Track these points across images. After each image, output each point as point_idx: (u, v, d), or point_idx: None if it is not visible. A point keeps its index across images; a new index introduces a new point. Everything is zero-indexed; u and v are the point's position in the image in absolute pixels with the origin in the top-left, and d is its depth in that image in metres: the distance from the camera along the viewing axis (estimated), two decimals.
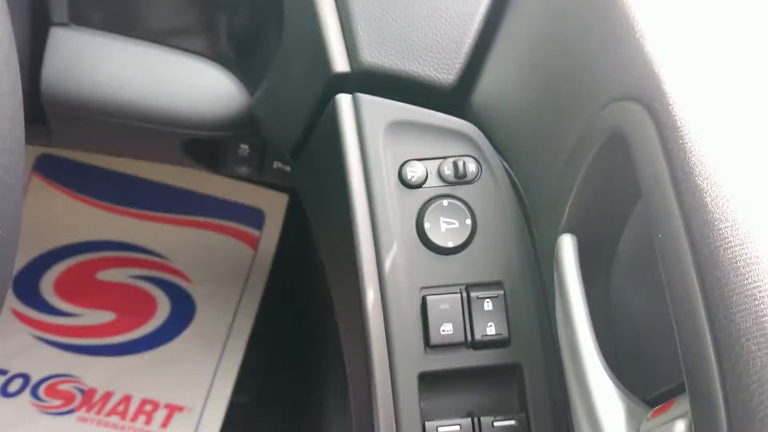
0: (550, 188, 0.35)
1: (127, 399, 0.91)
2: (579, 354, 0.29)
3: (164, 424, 0.90)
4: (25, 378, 0.90)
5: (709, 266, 0.23)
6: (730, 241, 0.23)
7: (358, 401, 0.39)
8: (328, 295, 0.45)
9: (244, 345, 0.99)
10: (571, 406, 0.30)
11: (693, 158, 0.25)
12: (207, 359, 0.96)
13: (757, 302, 0.21)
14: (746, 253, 0.22)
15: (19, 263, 0.99)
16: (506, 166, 0.39)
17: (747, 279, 0.22)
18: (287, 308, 1.02)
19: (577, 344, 0.29)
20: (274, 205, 1.10)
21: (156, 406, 0.91)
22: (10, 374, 0.90)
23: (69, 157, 1.08)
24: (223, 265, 1.06)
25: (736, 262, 0.22)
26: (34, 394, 0.89)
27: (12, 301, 0.95)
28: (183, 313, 0.99)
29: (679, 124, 0.26)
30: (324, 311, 0.94)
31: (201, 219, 1.09)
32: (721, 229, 0.23)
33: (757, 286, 0.21)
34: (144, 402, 0.91)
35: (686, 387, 0.23)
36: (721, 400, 0.21)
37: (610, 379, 0.29)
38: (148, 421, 0.90)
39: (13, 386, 0.89)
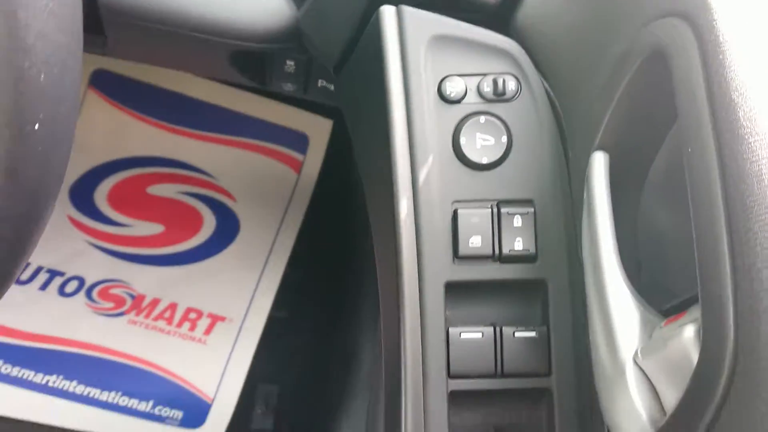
0: (588, 107, 0.35)
1: (173, 306, 0.96)
2: (600, 264, 0.30)
3: (207, 332, 0.95)
4: (81, 281, 0.95)
5: (735, 178, 0.23)
6: (758, 154, 0.23)
7: (387, 310, 0.41)
8: (366, 214, 0.47)
9: (284, 263, 1.02)
10: (589, 315, 0.31)
11: (731, 73, 0.25)
12: (249, 274, 1.00)
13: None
14: None
15: (75, 174, 1.03)
16: (546, 85, 0.39)
17: None
18: (327, 230, 1.05)
19: (599, 255, 0.30)
20: (318, 130, 1.12)
21: (200, 314, 0.96)
22: (66, 276, 0.95)
23: (124, 74, 1.11)
24: (267, 186, 1.09)
25: (761, 175, 0.22)
26: (89, 295, 0.94)
27: (69, 208, 1.00)
28: (227, 229, 1.03)
29: (721, 40, 0.26)
30: (362, 234, 0.96)
31: (247, 140, 1.11)
32: (750, 143, 0.23)
33: None
34: (189, 310, 0.96)
35: (699, 293, 0.24)
36: (730, 304, 0.22)
37: (628, 289, 0.29)
38: (192, 328, 0.95)
39: (70, 287, 0.95)
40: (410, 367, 0.38)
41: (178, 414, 0.88)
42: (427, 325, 0.38)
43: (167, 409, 0.88)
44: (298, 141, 1.13)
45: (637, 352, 0.27)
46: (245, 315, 0.97)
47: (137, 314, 0.94)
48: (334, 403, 0.89)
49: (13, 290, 0.92)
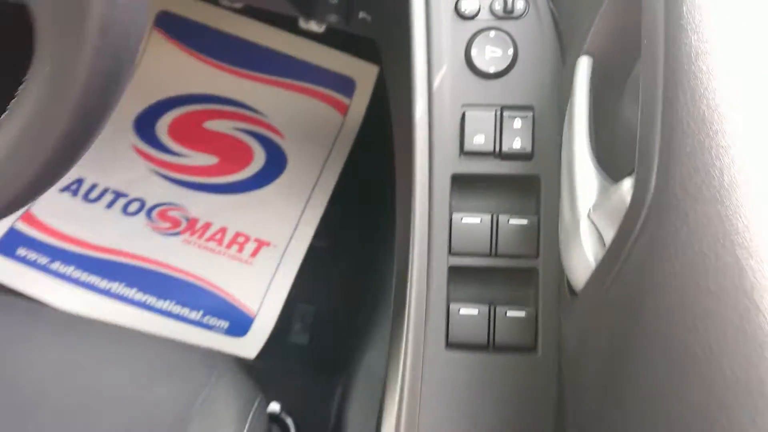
0: (581, 20, 0.40)
1: (223, 230, 1.04)
2: (572, 141, 0.35)
3: (253, 254, 1.03)
4: (142, 202, 1.04)
5: (672, 57, 0.28)
6: (691, 39, 0.28)
7: (402, 199, 0.47)
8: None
9: (327, 197, 1.09)
10: (561, 187, 0.36)
11: None
12: (294, 206, 1.07)
13: (699, 83, 0.27)
14: (702, 47, 0.27)
15: (140, 107, 1.12)
16: (551, 5, 0.44)
17: (696, 66, 0.27)
18: (368, 171, 1.11)
19: (572, 134, 0.35)
20: (365, 75, 1.18)
21: (247, 238, 1.04)
22: (129, 197, 1.04)
23: (186, 16, 1.19)
24: (314, 126, 1.16)
25: (690, 54, 0.27)
26: (149, 216, 1.03)
27: (134, 138, 1.10)
28: (275, 164, 1.10)
29: None
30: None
31: (298, 83, 1.18)
32: (687, 31, 0.28)
33: (703, 71, 0.27)
34: (237, 234, 1.04)
35: (636, 153, 0.29)
36: (656, 159, 0.27)
37: (592, 162, 0.35)
38: (239, 250, 1.03)
39: (132, 207, 1.04)
40: (417, 244, 0.44)
41: (224, 324, 0.97)
42: (434, 210, 0.44)
43: (215, 319, 0.97)
44: (346, 85, 1.19)
45: (590, 209, 0.33)
46: (288, 242, 1.04)
47: (191, 235, 1.02)
48: (363, 329, 0.96)
49: (84, 207, 1.02)
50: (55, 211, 1.02)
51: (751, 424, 0.20)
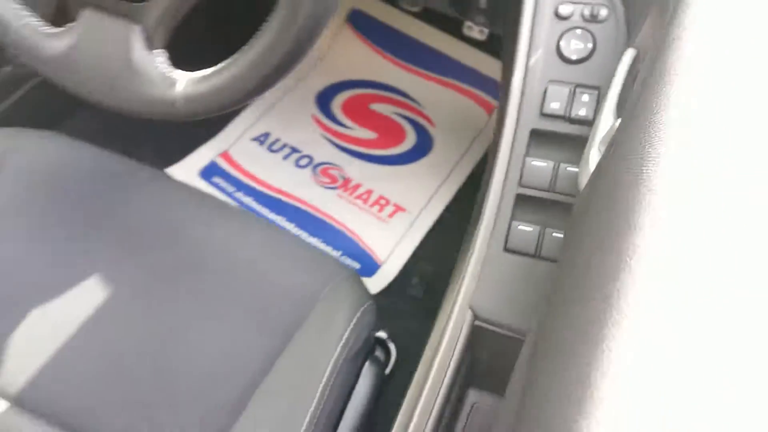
0: (638, 23, 0.54)
1: (369, 192, 1.23)
2: (603, 103, 0.50)
3: (390, 216, 1.21)
4: (310, 158, 1.27)
5: (662, 42, 0.42)
6: (674, 31, 0.42)
7: (492, 148, 0.63)
8: None
9: (462, 180, 1.25)
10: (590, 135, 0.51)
11: None
12: (432, 183, 1.25)
13: (667, 58, 0.41)
14: (677, 34, 0.41)
15: (322, 85, 1.37)
16: (627, 14, 0.59)
17: (670, 48, 0.41)
18: None
19: (605, 99, 0.50)
20: None
21: (387, 202, 1.22)
22: (301, 154, 1.28)
23: (371, 14, 1.42)
24: (461, 120, 1.33)
25: (670, 41, 0.41)
26: (314, 170, 1.26)
27: (313, 109, 1.33)
28: (423, 147, 1.29)
29: None
30: None
31: (454, 81, 1.36)
32: (673, 26, 0.42)
33: (673, 49, 0.41)
34: (380, 197, 1.23)
35: (627, 101, 0.43)
36: (635, 102, 0.41)
37: (613, 115, 0.49)
38: (380, 210, 1.21)
39: (303, 161, 1.27)
40: (497, 176, 0.60)
41: (356, 265, 1.16)
42: (513, 153, 0.60)
43: (350, 259, 1.17)
44: (495, 88, 1.35)
45: (600, 140, 0.47)
46: (421, 210, 1.21)
47: (344, 191, 1.23)
48: None
49: (266, 155, 1.27)
50: (245, 154, 1.28)
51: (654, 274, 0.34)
